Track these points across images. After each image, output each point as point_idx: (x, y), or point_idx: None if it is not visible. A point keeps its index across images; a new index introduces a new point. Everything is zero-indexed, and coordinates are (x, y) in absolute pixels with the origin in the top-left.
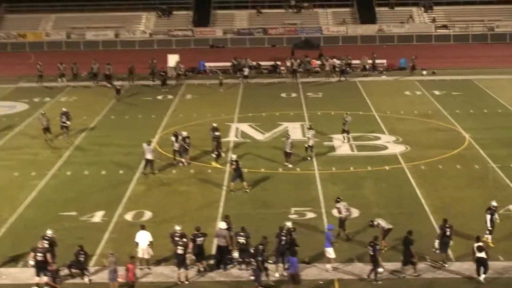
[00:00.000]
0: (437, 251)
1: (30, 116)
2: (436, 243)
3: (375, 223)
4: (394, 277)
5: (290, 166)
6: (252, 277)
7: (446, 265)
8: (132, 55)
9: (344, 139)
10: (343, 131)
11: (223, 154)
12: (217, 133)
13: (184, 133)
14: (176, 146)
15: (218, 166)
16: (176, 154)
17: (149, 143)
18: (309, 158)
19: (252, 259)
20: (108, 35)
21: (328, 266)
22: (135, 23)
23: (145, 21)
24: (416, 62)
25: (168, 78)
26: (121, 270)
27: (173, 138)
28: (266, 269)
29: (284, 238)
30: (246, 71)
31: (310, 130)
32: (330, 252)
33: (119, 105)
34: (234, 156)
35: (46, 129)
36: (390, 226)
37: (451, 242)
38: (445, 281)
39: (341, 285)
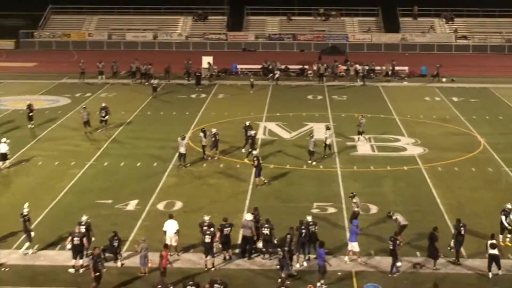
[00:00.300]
0: (452, 249)
1: (72, 110)
2: (452, 242)
3: (394, 217)
4: (410, 270)
5: (314, 163)
6: (277, 266)
7: (459, 262)
8: (169, 56)
9: (359, 140)
10: (358, 133)
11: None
12: (252, 132)
13: (214, 130)
14: (204, 141)
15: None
16: (206, 149)
17: (183, 137)
18: (326, 156)
19: (279, 249)
20: (147, 36)
21: (347, 258)
22: (173, 26)
23: (182, 25)
24: (440, 70)
25: (203, 78)
26: (151, 256)
27: (201, 134)
28: (291, 259)
29: (304, 231)
30: (277, 73)
31: (328, 130)
32: (354, 246)
33: (155, 102)
34: (254, 153)
35: (86, 123)
36: (406, 223)
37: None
38: (457, 276)
39: (359, 277)
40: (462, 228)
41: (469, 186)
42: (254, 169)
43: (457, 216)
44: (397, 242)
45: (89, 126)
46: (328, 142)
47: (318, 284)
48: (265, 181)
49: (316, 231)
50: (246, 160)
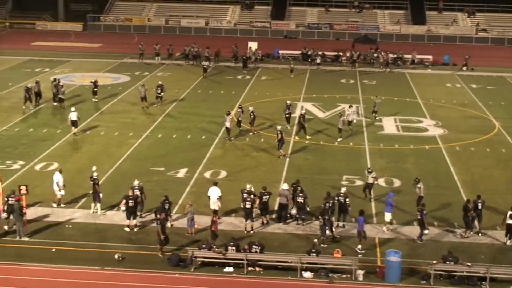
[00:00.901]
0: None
1: (131, 87)
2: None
3: (419, 185)
4: (429, 238)
5: (340, 139)
6: (319, 232)
7: (484, 232)
8: (219, 41)
9: (376, 118)
10: (373, 112)
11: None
12: (302, 111)
13: (251, 108)
14: (241, 116)
15: (307, 138)
16: (245, 125)
17: (228, 113)
18: (352, 133)
19: (320, 217)
20: (199, 23)
21: (385, 228)
22: (223, 14)
23: (231, 13)
24: (469, 61)
25: (249, 61)
26: (197, 218)
27: (239, 110)
28: (331, 225)
29: (331, 201)
30: (319, 59)
31: (351, 108)
32: (386, 215)
33: (205, 82)
34: (279, 127)
35: (143, 98)
36: (422, 195)
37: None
38: (471, 245)
39: (382, 243)
40: (479, 203)
41: (483, 165)
42: (277, 142)
43: (472, 191)
44: (424, 212)
45: (145, 101)
46: (350, 119)
47: (359, 247)
48: (284, 154)
49: (347, 202)
50: (307, 137)
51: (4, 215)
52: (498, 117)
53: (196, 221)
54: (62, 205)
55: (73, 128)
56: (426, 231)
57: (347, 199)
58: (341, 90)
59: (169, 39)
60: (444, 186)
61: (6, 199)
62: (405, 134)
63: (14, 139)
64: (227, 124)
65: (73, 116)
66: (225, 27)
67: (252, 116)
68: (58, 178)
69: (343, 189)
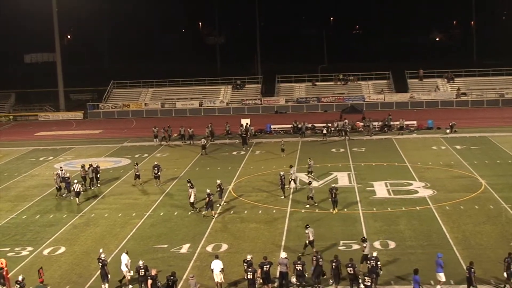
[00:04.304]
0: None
1: (132, 169)
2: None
3: (364, 244)
4: None
5: (308, 206)
6: None
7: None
8: (213, 120)
9: (309, 178)
10: (308, 172)
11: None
12: (333, 185)
13: (218, 181)
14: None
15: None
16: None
17: (191, 186)
18: (292, 189)
19: (366, 277)
20: (193, 104)
21: (438, 287)
22: (215, 95)
23: (223, 93)
24: (455, 126)
25: (248, 138)
26: None
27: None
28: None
29: (321, 262)
30: (324, 130)
31: (292, 168)
32: (441, 276)
33: (202, 159)
34: (208, 191)
35: (137, 176)
36: (368, 253)
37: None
38: None
39: None
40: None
41: (473, 222)
42: (289, 214)
43: (464, 247)
44: (473, 270)
45: (139, 179)
46: (293, 177)
47: None
48: (214, 216)
49: (378, 265)
50: (334, 211)
51: None
52: (483, 175)
53: None
54: (130, 286)
55: (77, 199)
56: None
57: (378, 263)
58: (332, 159)
59: (166, 121)
60: (437, 244)
61: None
62: (396, 197)
63: (22, 226)
64: (191, 199)
65: (76, 187)
66: (218, 107)
67: (219, 189)
68: (126, 259)
69: (374, 253)
